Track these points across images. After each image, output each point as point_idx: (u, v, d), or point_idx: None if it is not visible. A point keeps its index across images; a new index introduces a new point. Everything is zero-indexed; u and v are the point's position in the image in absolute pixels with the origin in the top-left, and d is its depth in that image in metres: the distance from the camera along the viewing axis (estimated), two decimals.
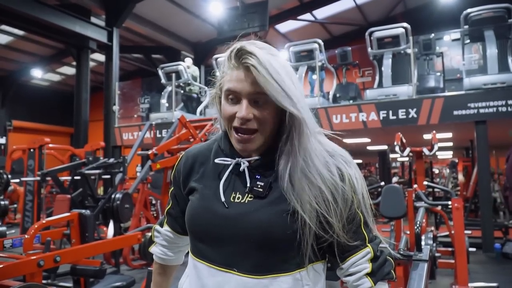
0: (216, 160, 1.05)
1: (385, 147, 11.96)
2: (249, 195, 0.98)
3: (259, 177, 0.99)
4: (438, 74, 8.57)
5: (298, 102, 0.93)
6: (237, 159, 1.03)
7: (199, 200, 1.03)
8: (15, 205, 9.95)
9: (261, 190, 0.97)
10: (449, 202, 3.96)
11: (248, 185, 0.99)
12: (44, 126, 18.22)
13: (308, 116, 0.97)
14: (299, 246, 0.93)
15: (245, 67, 0.94)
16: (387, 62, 8.18)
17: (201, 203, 1.02)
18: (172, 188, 1.17)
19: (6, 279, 2.43)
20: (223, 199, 0.99)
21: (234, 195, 1.00)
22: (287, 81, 0.93)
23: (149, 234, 4.87)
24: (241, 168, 1.02)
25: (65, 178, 8.00)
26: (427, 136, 8.52)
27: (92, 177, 6.22)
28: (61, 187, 6.74)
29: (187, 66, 10.08)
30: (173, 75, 9.90)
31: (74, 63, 12.23)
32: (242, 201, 0.98)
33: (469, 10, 7.74)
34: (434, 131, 5.74)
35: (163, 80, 10.17)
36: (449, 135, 9.34)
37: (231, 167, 1.03)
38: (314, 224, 0.92)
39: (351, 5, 14.05)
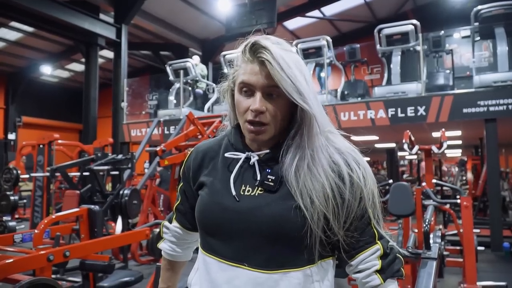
0: (226, 154, 1.06)
1: (393, 145, 11.89)
2: (259, 189, 0.98)
3: (269, 171, 0.99)
4: (448, 71, 8.50)
5: (309, 98, 0.94)
6: (247, 153, 1.03)
7: (209, 195, 1.03)
8: (24, 201, 10.04)
9: (272, 184, 0.97)
10: (458, 201, 3.93)
11: (258, 178, 0.99)
12: (53, 122, 18.34)
13: (319, 113, 0.97)
14: (310, 241, 0.94)
15: (259, 61, 0.95)
16: (396, 59, 8.13)
17: (212, 198, 1.02)
18: (181, 184, 1.17)
19: (16, 273, 2.46)
20: (233, 192, 0.99)
21: (244, 188, 1.00)
22: (299, 76, 0.93)
23: (157, 230, 4.90)
24: (251, 162, 1.02)
25: (74, 174, 8.06)
26: (436, 134, 8.47)
27: (101, 173, 6.26)
28: (70, 182, 6.79)
29: (195, 64, 10.10)
30: (181, 72, 9.93)
31: (83, 59, 12.29)
32: (252, 194, 0.99)
33: (479, 7, 7.66)
34: (443, 129, 5.71)
35: (171, 77, 10.20)
36: (458, 133, 9.27)
37: (241, 160, 1.03)
38: (316, 219, 0.92)
39: (360, 1, 13.97)
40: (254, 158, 1.02)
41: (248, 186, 1.00)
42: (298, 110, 0.97)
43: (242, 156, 1.03)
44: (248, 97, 0.97)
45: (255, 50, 0.95)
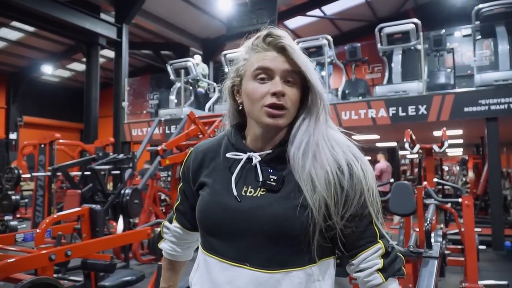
0: (227, 155, 1.05)
1: (394, 144, 11.89)
2: (262, 189, 0.98)
3: (271, 171, 0.99)
4: (449, 70, 8.49)
5: (321, 85, 0.99)
6: (248, 153, 1.03)
7: (210, 195, 1.03)
8: (26, 200, 10.07)
9: (274, 184, 0.97)
10: (459, 200, 3.93)
11: (260, 179, 0.99)
12: (54, 122, 18.34)
13: (327, 100, 1.01)
14: (312, 240, 0.94)
15: (278, 47, 0.97)
16: (397, 58, 8.12)
17: (213, 198, 1.02)
18: (181, 184, 1.17)
19: (18, 272, 2.46)
20: (235, 193, 0.99)
21: (246, 189, 1.00)
22: (311, 66, 0.98)
23: (158, 229, 4.90)
24: (253, 163, 1.01)
25: (75, 173, 8.07)
26: (437, 133, 8.46)
27: (102, 172, 6.26)
28: (72, 182, 6.80)
29: (196, 64, 10.10)
30: (182, 71, 9.93)
31: (84, 59, 12.30)
32: (254, 194, 0.98)
33: (480, 5, 7.65)
34: (444, 128, 5.70)
35: (172, 77, 10.20)
36: (459, 132, 9.26)
37: (242, 161, 1.02)
38: (318, 206, 0.92)
39: (361, 0, 13.96)
40: (256, 160, 1.01)
41: (250, 187, 1.00)
42: (310, 96, 0.99)
43: (244, 156, 1.03)
44: (265, 83, 0.97)
45: (270, 39, 0.98)
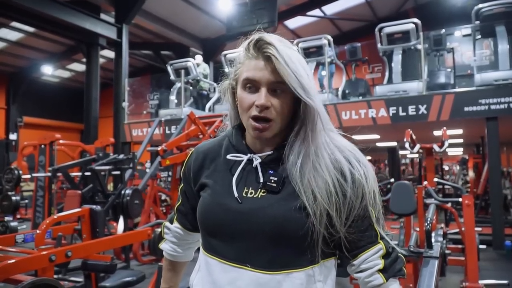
0: (228, 156, 1.05)
1: (394, 143, 11.88)
2: (262, 190, 0.98)
3: (272, 172, 0.99)
4: (449, 70, 8.49)
5: (313, 94, 0.95)
6: (249, 155, 1.03)
7: (211, 196, 1.03)
8: (26, 201, 10.08)
9: (274, 185, 0.97)
10: (460, 199, 3.92)
11: (261, 180, 0.99)
12: (54, 122, 18.35)
13: (322, 109, 0.98)
14: (312, 241, 0.94)
15: (265, 56, 0.95)
16: (397, 58, 8.12)
17: (214, 199, 1.02)
18: (182, 184, 1.17)
19: (18, 273, 2.46)
20: (236, 194, 0.99)
21: (247, 190, 1.00)
22: (303, 73, 0.94)
23: (159, 229, 4.90)
24: (253, 164, 1.01)
25: (76, 174, 8.06)
26: (437, 133, 8.45)
27: (102, 173, 6.26)
28: (72, 182, 6.80)
29: (197, 64, 10.09)
30: (182, 71, 9.93)
31: (84, 59, 12.30)
32: (255, 196, 0.98)
33: (480, 5, 7.65)
34: (444, 128, 5.70)
35: (172, 77, 10.20)
36: (459, 131, 9.26)
37: (243, 163, 1.02)
38: (319, 216, 0.92)
39: (361, 0, 13.96)
40: (256, 161, 1.01)
41: (250, 188, 1.00)
42: (301, 106, 0.97)
43: (244, 158, 1.03)
44: (253, 93, 0.97)
45: (260, 46, 0.95)
